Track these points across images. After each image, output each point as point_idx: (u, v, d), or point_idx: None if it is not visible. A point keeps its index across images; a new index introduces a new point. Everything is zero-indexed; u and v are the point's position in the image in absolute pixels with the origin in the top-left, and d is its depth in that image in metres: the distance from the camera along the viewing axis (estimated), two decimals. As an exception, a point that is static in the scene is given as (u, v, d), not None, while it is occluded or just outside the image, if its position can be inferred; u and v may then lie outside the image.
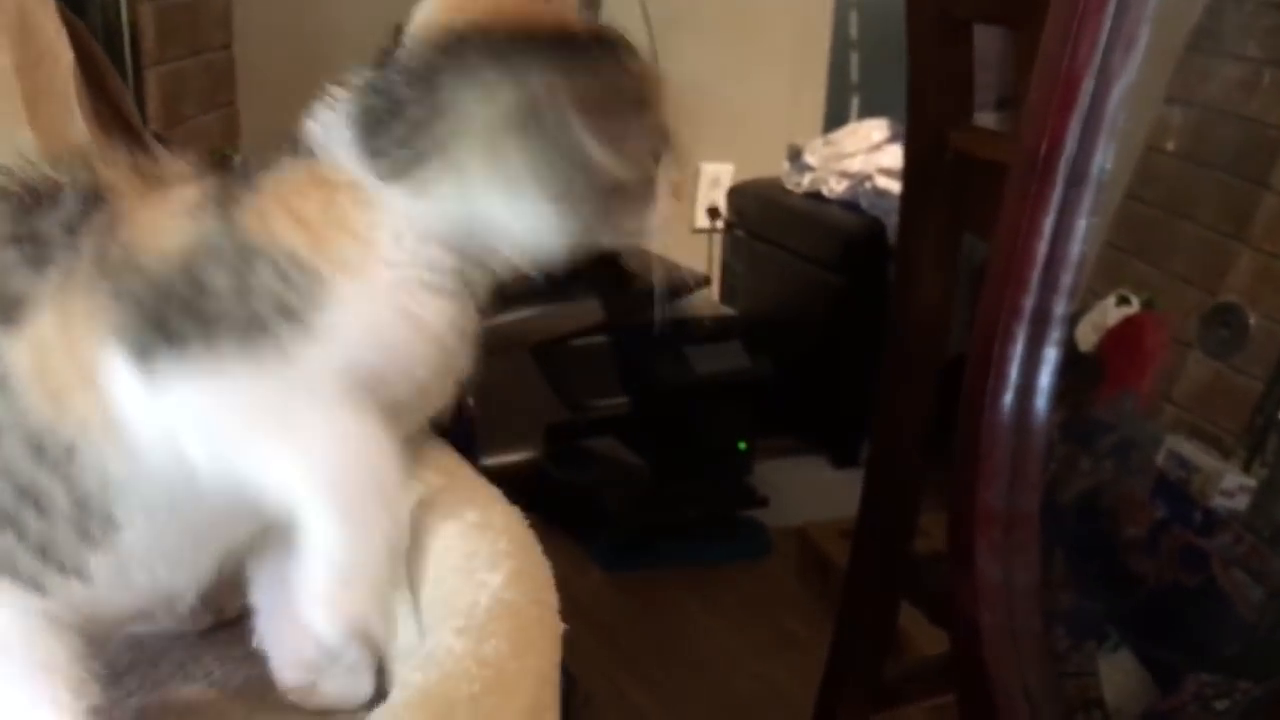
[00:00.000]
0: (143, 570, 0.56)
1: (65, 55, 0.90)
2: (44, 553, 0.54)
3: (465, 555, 0.55)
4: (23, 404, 0.52)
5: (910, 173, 1.42)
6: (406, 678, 0.47)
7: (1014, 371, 1.07)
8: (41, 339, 0.52)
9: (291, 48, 2.12)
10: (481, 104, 0.55)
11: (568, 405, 2.13)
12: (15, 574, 0.54)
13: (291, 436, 0.53)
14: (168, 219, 0.54)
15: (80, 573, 0.54)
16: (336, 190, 0.57)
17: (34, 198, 0.54)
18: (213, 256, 0.53)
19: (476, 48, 0.56)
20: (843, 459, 2.31)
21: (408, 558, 0.61)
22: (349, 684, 0.62)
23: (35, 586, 0.54)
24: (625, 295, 2.13)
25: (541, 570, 0.56)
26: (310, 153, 0.58)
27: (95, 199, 0.54)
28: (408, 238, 0.58)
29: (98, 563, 0.55)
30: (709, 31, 2.39)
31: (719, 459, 2.14)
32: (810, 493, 2.20)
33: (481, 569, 0.54)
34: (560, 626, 0.53)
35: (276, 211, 0.55)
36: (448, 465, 0.64)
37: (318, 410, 0.53)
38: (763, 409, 2.14)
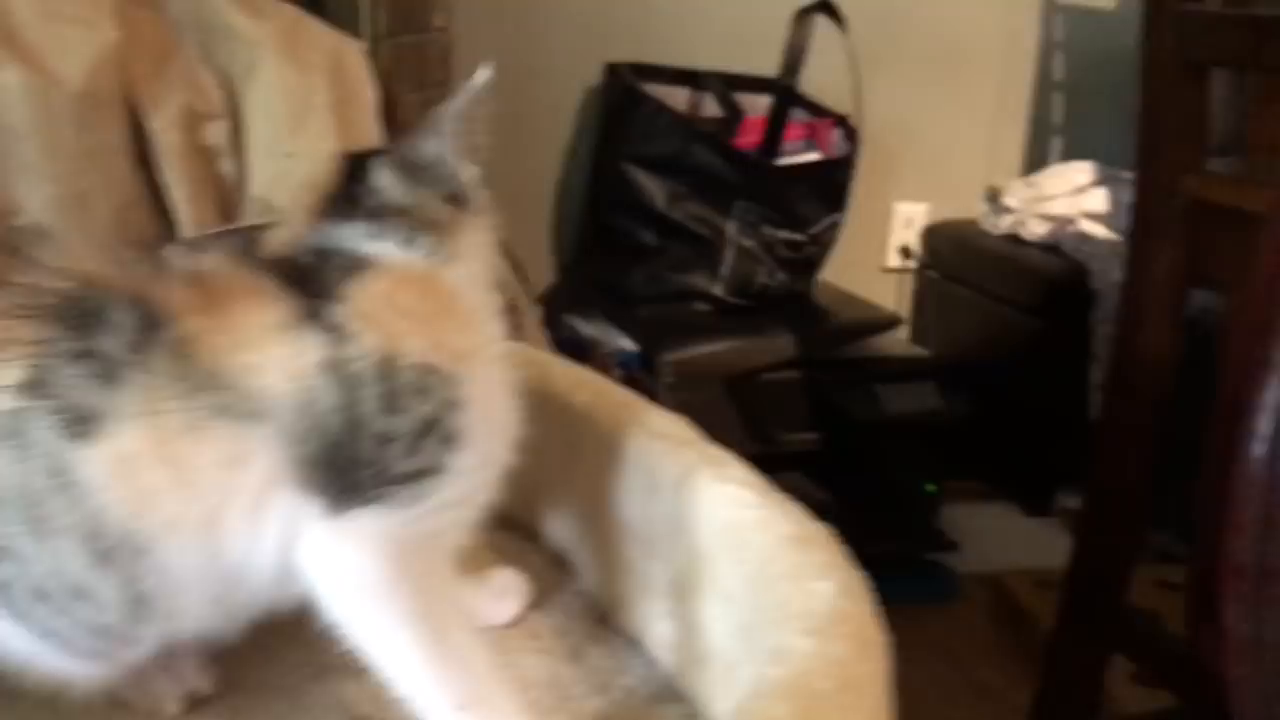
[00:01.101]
0: (191, 631, 0.61)
1: (369, 95, 0.98)
2: (96, 634, 0.59)
3: (791, 565, 0.58)
4: (94, 508, 0.55)
5: (1140, 217, 1.40)
6: (763, 672, 0.51)
7: (1265, 422, 1.05)
8: (127, 450, 0.55)
9: (505, 85, 2.21)
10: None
11: (758, 439, 2.14)
12: (75, 651, 0.59)
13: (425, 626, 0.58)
14: (260, 340, 0.56)
15: (135, 644, 0.60)
16: (425, 282, 0.62)
17: (82, 314, 0.55)
18: (349, 384, 0.56)
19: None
20: (1035, 508, 2.26)
21: (717, 562, 0.65)
22: None
23: (92, 657, 0.60)
24: (817, 331, 2.15)
25: (861, 582, 0.59)
26: (363, 260, 0.61)
27: (150, 316, 0.56)
28: (479, 310, 0.63)
29: (149, 634, 0.60)
30: (911, 70, 2.40)
31: (907, 500, 2.13)
32: (1000, 540, 2.17)
33: (810, 578, 0.57)
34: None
35: (383, 315, 0.58)
36: (754, 482, 0.68)
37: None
38: (953, 452, 2.12)
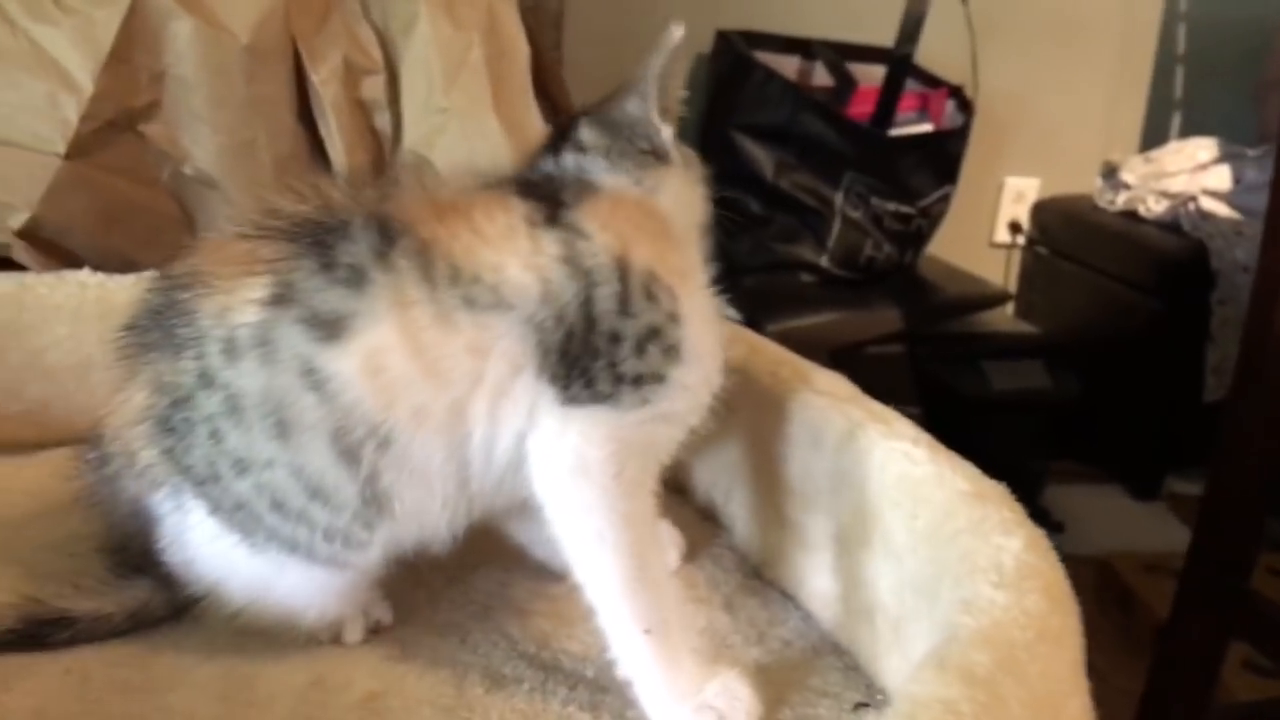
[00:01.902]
0: (414, 535, 0.64)
1: (523, 50, 0.99)
2: (333, 539, 0.62)
3: (973, 520, 0.59)
4: (342, 402, 0.58)
5: (1278, 190, 1.36)
6: (956, 620, 0.51)
7: None
8: (377, 345, 0.58)
9: (616, 51, 2.22)
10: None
11: (861, 411, 2.14)
12: (312, 556, 0.63)
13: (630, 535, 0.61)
14: (501, 239, 0.61)
15: (364, 547, 0.63)
16: (643, 204, 0.67)
17: (322, 231, 0.60)
18: (586, 278, 0.61)
19: None
20: (1143, 491, 2.22)
21: (887, 518, 0.66)
22: None
23: (329, 563, 0.63)
24: (923, 305, 2.13)
25: (1044, 539, 0.59)
26: (589, 182, 0.67)
27: (388, 228, 0.60)
28: (689, 243, 0.68)
29: (377, 538, 0.62)
30: (1030, 40, 2.35)
31: (1011, 479, 2.10)
32: (1106, 522, 2.14)
33: (994, 533, 0.57)
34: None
35: (617, 223, 0.63)
36: (923, 439, 0.68)
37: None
38: (1060, 432, 2.09)
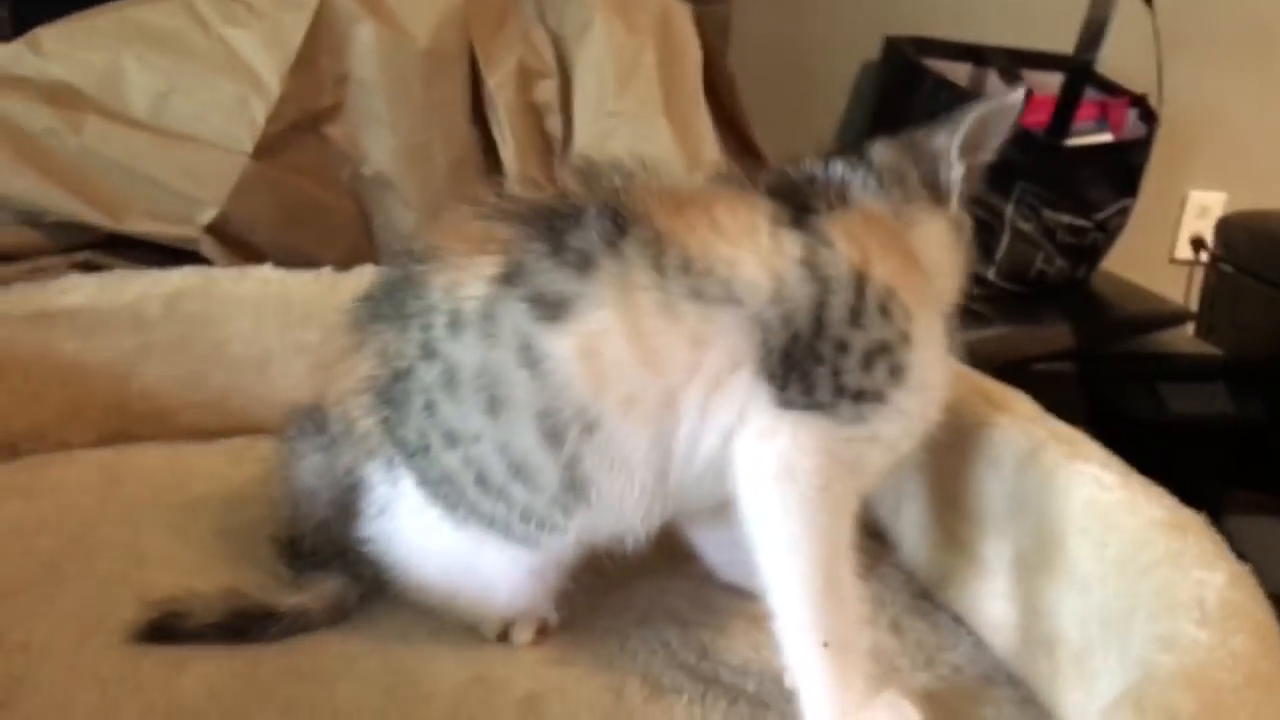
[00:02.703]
0: (609, 526, 0.63)
1: (695, 54, 0.98)
2: (530, 519, 0.62)
3: (1171, 551, 0.55)
4: (554, 383, 0.58)
5: None
6: (1153, 658, 0.48)
7: None
8: (598, 329, 0.58)
9: (783, 58, 2.20)
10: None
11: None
12: (509, 534, 0.63)
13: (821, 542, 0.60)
14: (741, 235, 0.60)
15: (560, 532, 0.62)
16: (894, 227, 0.65)
17: (556, 216, 0.60)
18: (823, 285, 0.60)
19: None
20: (1333, 525, 2.08)
21: (1072, 545, 0.62)
22: None
23: (525, 543, 0.63)
24: (1096, 322, 2.04)
25: (1249, 575, 0.55)
26: (846, 194, 0.66)
27: (620, 215, 0.60)
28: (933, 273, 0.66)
29: (573, 524, 0.62)
30: (1219, 48, 2.23)
31: (1190, 507, 1.99)
32: (1291, 557, 2.00)
33: (1195, 566, 0.54)
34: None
35: (864, 238, 0.62)
36: (1114, 463, 0.64)
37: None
38: (1244, 460, 1.97)
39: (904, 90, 2.08)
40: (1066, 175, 2.01)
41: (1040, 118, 2.07)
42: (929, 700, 0.65)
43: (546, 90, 1.01)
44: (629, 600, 0.74)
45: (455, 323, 0.60)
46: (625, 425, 0.59)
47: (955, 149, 0.68)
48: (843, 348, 0.60)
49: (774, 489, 0.60)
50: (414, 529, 0.66)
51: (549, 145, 1.02)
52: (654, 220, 0.60)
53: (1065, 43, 2.00)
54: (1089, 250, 2.07)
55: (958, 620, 0.73)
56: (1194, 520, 0.59)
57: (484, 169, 1.00)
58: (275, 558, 0.73)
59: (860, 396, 0.60)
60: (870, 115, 2.20)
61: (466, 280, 0.60)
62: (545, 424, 0.59)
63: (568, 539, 0.64)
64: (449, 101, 0.97)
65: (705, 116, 0.98)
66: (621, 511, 0.62)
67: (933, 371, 0.63)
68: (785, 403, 0.60)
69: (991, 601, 0.69)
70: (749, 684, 0.66)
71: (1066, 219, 2.02)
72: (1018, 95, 0.68)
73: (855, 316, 0.60)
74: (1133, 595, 0.55)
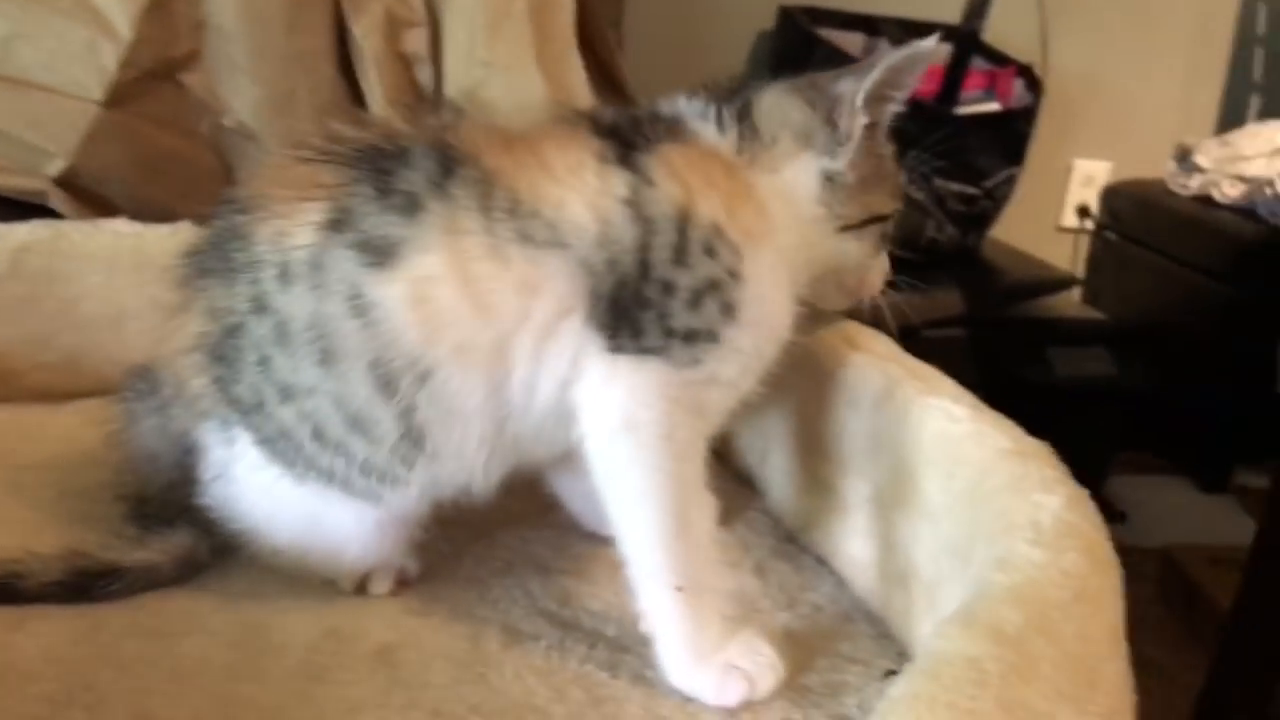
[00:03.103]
0: (452, 477, 0.62)
1: (568, 3, 0.97)
2: (370, 473, 0.61)
3: (1013, 476, 0.56)
4: (385, 331, 0.57)
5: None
6: (988, 576, 0.48)
7: None
8: (427, 275, 0.57)
9: (677, 27, 2.19)
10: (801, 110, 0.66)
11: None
12: (350, 489, 0.61)
13: (670, 488, 0.59)
14: (568, 174, 0.59)
15: (402, 485, 0.61)
16: (729, 164, 0.64)
17: (382, 157, 0.59)
18: (646, 225, 0.59)
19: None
20: (1211, 483, 2.15)
21: (925, 479, 0.63)
22: None
23: (367, 497, 0.62)
24: (986, 288, 2.08)
25: (1087, 498, 0.56)
26: (680, 130, 0.65)
27: (450, 157, 0.59)
28: (778, 212, 0.64)
29: (415, 477, 0.61)
30: (1103, 19, 2.28)
31: (1074, 467, 2.04)
32: (1171, 514, 2.07)
33: (1035, 490, 0.54)
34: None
35: (687, 174, 0.61)
36: (964, 397, 0.65)
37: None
38: (1127, 421, 2.02)
39: (798, 59, 2.09)
40: (956, 144, 2.04)
41: (930, 87, 2.09)
42: (788, 639, 0.65)
43: (415, 39, 0.99)
44: (492, 550, 0.73)
45: (284, 274, 0.58)
46: (458, 373, 0.58)
47: (861, 96, 0.65)
48: (669, 289, 0.58)
49: (616, 440, 0.59)
50: (254, 489, 0.64)
51: (419, 95, 0.99)
52: (482, 159, 0.59)
53: (954, 13, 2.02)
54: (978, 218, 2.10)
55: (821, 561, 0.73)
56: (1038, 448, 0.59)
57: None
58: (124, 519, 0.70)
59: (691, 337, 0.59)
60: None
61: (292, 229, 0.58)
62: (378, 374, 0.58)
63: (411, 491, 0.62)
64: (313, 50, 0.95)
65: (578, 66, 0.97)
66: (462, 461, 0.61)
67: (767, 307, 0.62)
68: (617, 349, 0.59)
69: (852, 540, 0.70)
70: (609, 629, 0.65)
71: (956, 187, 2.04)
72: (929, 42, 0.66)
73: (679, 256, 0.59)
74: (975, 523, 0.56)
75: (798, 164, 0.66)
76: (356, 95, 0.97)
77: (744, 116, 0.66)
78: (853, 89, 0.65)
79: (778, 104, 0.66)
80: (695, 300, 0.59)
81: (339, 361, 0.58)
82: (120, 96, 0.92)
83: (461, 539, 0.73)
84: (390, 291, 0.57)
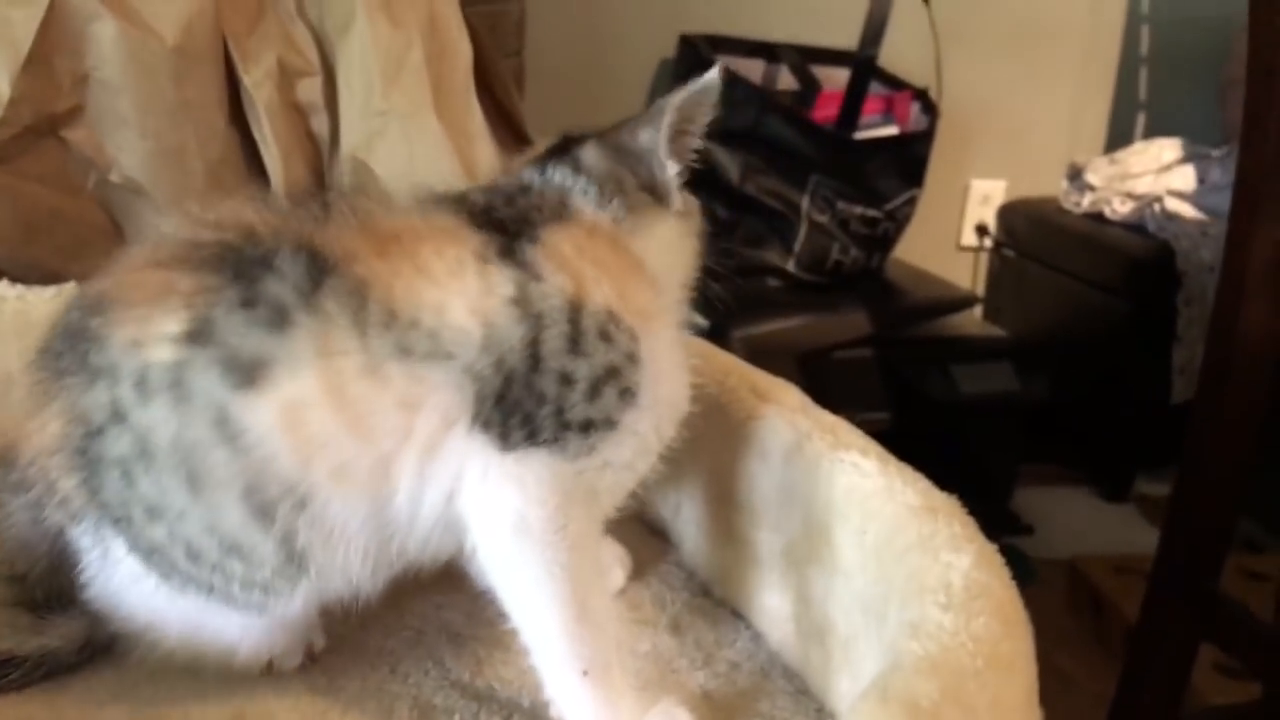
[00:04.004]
0: (337, 589, 0.60)
1: (465, 51, 0.96)
2: (251, 589, 0.58)
3: (923, 535, 0.56)
4: (257, 458, 0.54)
5: (1242, 193, 1.34)
6: (901, 645, 0.48)
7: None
8: (298, 397, 0.54)
9: (579, 56, 2.19)
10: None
11: (829, 417, 2.11)
12: (231, 602, 0.59)
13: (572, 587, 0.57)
14: (447, 277, 0.57)
15: (285, 597, 0.59)
16: (613, 238, 0.64)
17: (245, 262, 0.55)
18: (535, 321, 0.57)
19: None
20: (1113, 493, 2.21)
21: (835, 533, 0.63)
22: None
23: (249, 609, 0.60)
24: (891, 308, 2.11)
25: (996, 555, 0.56)
26: (563, 207, 0.64)
27: (319, 261, 0.55)
28: (663, 267, 0.65)
29: (299, 592, 0.59)
30: (994, 43, 2.34)
31: (981, 482, 2.09)
32: (1077, 525, 2.12)
33: (944, 550, 0.54)
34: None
35: (576, 261, 0.59)
36: (873, 450, 0.65)
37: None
38: (1030, 435, 2.07)
39: (699, 86, 2.11)
40: (857, 168, 2.07)
41: (830, 112, 2.13)
42: (706, 700, 0.64)
43: (310, 89, 0.96)
44: (402, 618, 0.72)
45: (143, 387, 0.55)
46: (339, 497, 0.56)
47: (662, 148, 0.66)
48: (566, 380, 0.57)
49: (509, 543, 0.57)
50: (133, 594, 0.60)
51: (316, 146, 0.97)
52: (355, 265, 0.56)
53: (852, 39, 2.06)
54: (881, 239, 2.14)
55: (737, 615, 0.73)
56: (947, 504, 0.60)
57: (247, 172, 0.95)
58: (12, 605, 0.67)
59: (588, 427, 0.57)
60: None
61: (150, 339, 0.55)
62: (252, 501, 0.55)
63: (295, 604, 0.60)
64: (203, 102, 0.92)
65: (478, 114, 0.96)
66: (347, 576, 0.59)
67: (665, 387, 0.61)
68: (506, 447, 0.57)
69: (767, 594, 0.69)
70: (524, 699, 0.64)
71: (859, 210, 2.08)
72: (712, 75, 0.67)
73: (574, 346, 0.57)
74: (888, 581, 0.56)
75: (661, 220, 0.67)
76: (250, 146, 0.95)
77: (603, 186, 0.66)
78: (652, 142, 0.66)
79: (613, 171, 0.66)
80: (593, 389, 0.57)
81: (208, 488, 0.55)
82: (-1, 155, 0.88)
83: (372, 607, 0.71)
84: (260, 416, 0.54)
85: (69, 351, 0.58)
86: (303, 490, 0.55)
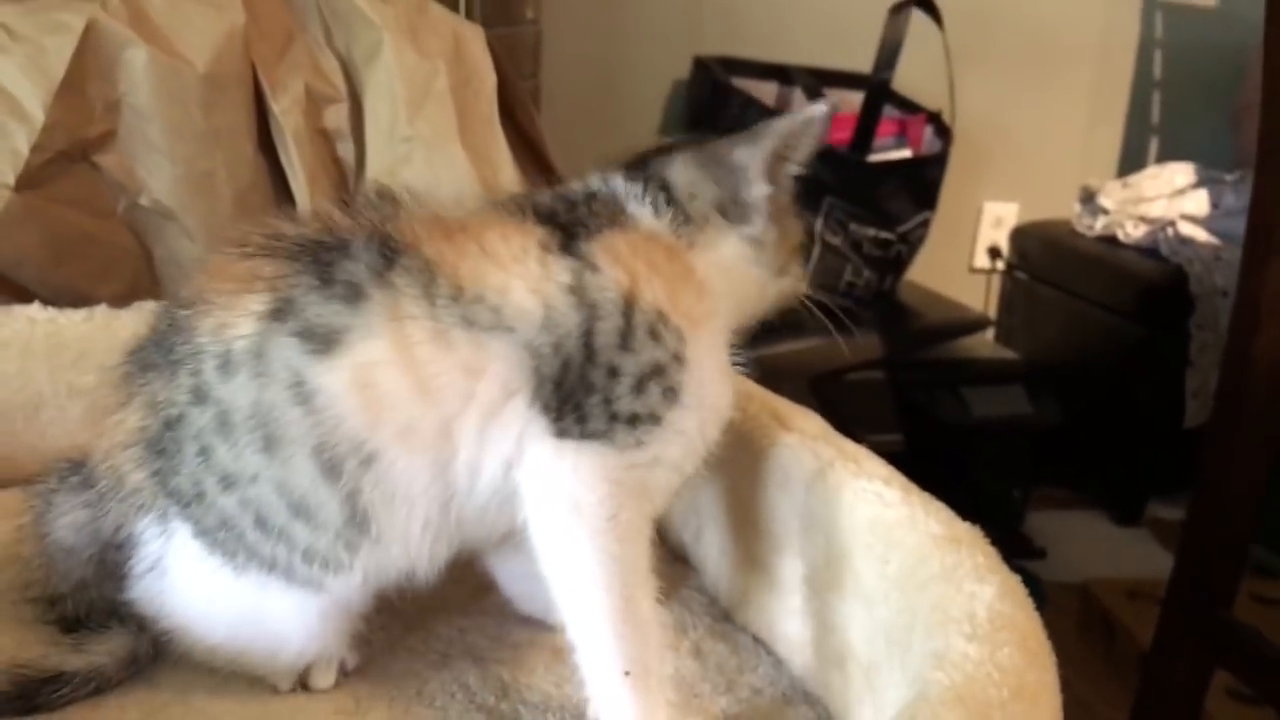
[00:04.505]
0: (396, 562, 0.62)
1: (490, 79, 0.97)
2: (313, 559, 0.60)
3: (946, 566, 0.57)
4: (328, 417, 0.57)
5: (1257, 218, 1.35)
6: (927, 676, 0.49)
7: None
8: (370, 361, 0.57)
9: (594, 78, 2.21)
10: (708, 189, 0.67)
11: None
12: (292, 577, 0.61)
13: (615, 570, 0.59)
14: (511, 261, 0.60)
15: (345, 571, 0.61)
16: (670, 247, 0.65)
17: (324, 249, 0.59)
18: (590, 311, 0.59)
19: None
20: (1125, 517, 2.21)
21: (857, 561, 0.64)
22: None
23: (309, 585, 0.61)
24: (903, 331, 2.12)
25: (1020, 586, 0.57)
26: (620, 214, 0.65)
27: (391, 247, 0.59)
28: (720, 286, 0.65)
29: (359, 562, 0.60)
30: (1007, 66, 2.35)
31: (993, 505, 2.09)
32: (1089, 548, 2.12)
33: (968, 580, 0.55)
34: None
35: (631, 260, 0.62)
36: (896, 479, 0.66)
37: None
38: (1042, 458, 2.07)
39: (713, 109, 2.12)
40: (870, 190, 2.08)
41: (844, 135, 2.14)
42: (729, 725, 0.65)
43: (336, 115, 0.98)
44: (427, 641, 0.72)
45: (225, 364, 0.58)
46: (403, 456, 0.58)
47: (756, 167, 0.66)
48: (614, 373, 0.59)
49: (561, 524, 0.59)
50: (192, 582, 0.62)
51: (342, 172, 0.99)
52: (423, 248, 0.59)
53: (866, 62, 2.07)
54: (894, 261, 2.15)
55: (758, 641, 0.74)
56: (969, 534, 0.60)
57: (274, 198, 0.97)
58: (40, 620, 0.68)
59: (634, 421, 0.59)
60: (680, 134, 2.23)
61: (234, 320, 0.58)
62: (322, 459, 0.57)
63: (354, 579, 0.61)
64: (231, 128, 0.93)
65: (501, 141, 0.97)
66: (407, 545, 0.61)
67: (709, 390, 0.63)
68: (561, 432, 0.59)
69: (788, 620, 0.70)
70: (549, 721, 0.65)
71: (872, 232, 2.09)
72: (820, 108, 0.67)
73: (624, 340, 0.60)
74: (912, 611, 0.57)
75: (726, 239, 0.67)
76: (277, 173, 0.96)
77: (669, 197, 0.67)
78: (748, 159, 0.67)
79: (693, 182, 0.67)
80: (639, 384, 0.59)
81: (282, 448, 0.58)
82: (32, 179, 0.89)
83: (396, 630, 0.72)
84: (333, 378, 0.57)
85: (154, 348, 0.62)
86: (369, 448, 0.57)
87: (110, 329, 0.86)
